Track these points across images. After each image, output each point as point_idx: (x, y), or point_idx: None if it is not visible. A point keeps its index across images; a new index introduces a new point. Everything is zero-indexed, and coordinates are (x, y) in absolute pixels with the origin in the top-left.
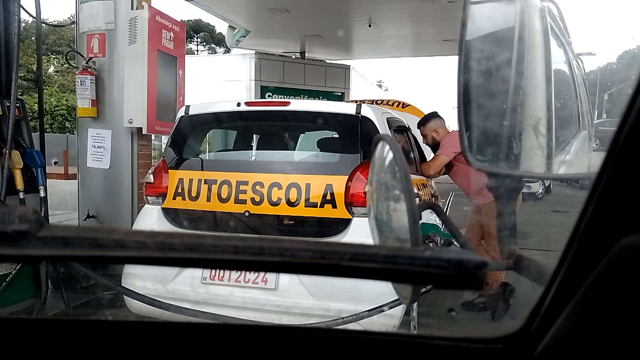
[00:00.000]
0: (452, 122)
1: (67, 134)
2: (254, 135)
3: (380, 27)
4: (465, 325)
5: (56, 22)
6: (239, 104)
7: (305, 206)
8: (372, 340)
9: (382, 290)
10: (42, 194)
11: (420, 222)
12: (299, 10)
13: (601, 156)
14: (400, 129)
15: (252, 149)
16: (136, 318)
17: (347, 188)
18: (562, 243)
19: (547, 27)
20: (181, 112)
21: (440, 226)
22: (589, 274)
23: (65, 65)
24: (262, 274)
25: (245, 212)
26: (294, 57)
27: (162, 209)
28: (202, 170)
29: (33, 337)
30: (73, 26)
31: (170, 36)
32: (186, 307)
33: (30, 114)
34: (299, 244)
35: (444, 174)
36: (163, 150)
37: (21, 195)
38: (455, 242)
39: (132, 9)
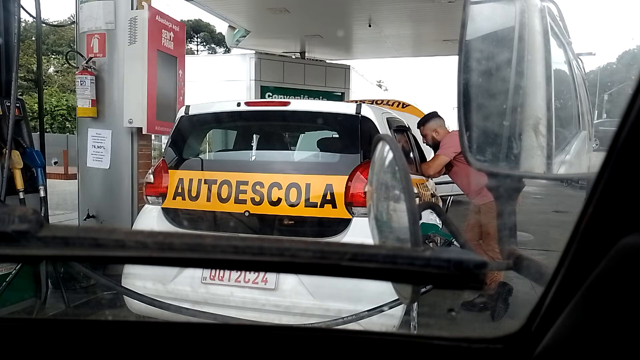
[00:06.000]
0: (452, 122)
1: (67, 134)
2: (254, 135)
3: (380, 27)
4: (465, 325)
5: (56, 22)
6: (239, 104)
7: (305, 206)
8: (372, 340)
9: (382, 290)
10: (42, 194)
11: (420, 222)
12: (299, 10)
13: (601, 156)
14: (400, 129)
15: (252, 149)
16: (136, 318)
17: (347, 188)
18: (562, 243)
19: (547, 27)
20: (181, 112)
21: (440, 226)
22: (589, 274)
23: (65, 65)
24: (262, 274)
25: (245, 212)
26: (294, 57)
27: (162, 209)
28: (202, 170)
29: (33, 337)
30: (73, 26)
31: (170, 36)
32: (186, 307)
33: (30, 114)
34: (299, 244)
35: (444, 174)
36: (163, 150)
37: (21, 195)
38: (455, 242)
39: (132, 9)
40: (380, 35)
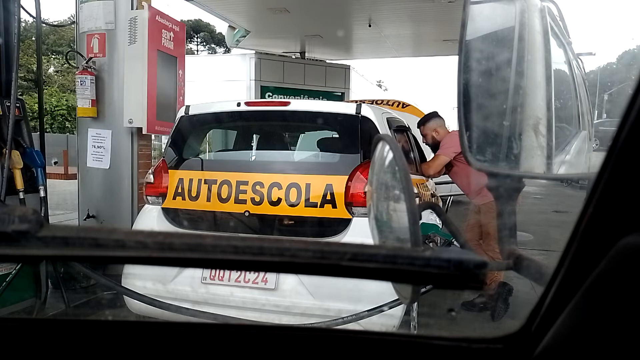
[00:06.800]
0: (452, 122)
1: (67, 134)
2: (254, 135)
3: (380, 27)
4: (465, 325)
5: (56, 22)
6: (239, 104)
7: (305, 206)
8: (372, 340)
9: (382, 290)
10: (42, 194)
11: (420, 222)
12: (299, 10)
13: (601, 156)
14: (400, 129)
15: (252, 149)
16: (136, 318)
17: (347, 188)
18: (562, 243)
19: (547, 27)
20: (181, 112)
21: (440, 226)
22: (589, 274)
23: (65, 65)
24: (262, 274)
25: (245, 212)
26: (294, 57)
27: (162, 209)
28: (202, 170)
29: (33, 337)
30: (73, 26)
31: (170, 36)
32: (186, 307)
33: (30, 114)
34: (299, 244)
35: (444, 174)
36: (163, 150)
37: (21, 195)
38: (455, 242)
39: (132, 9)
40: (380, 35)
